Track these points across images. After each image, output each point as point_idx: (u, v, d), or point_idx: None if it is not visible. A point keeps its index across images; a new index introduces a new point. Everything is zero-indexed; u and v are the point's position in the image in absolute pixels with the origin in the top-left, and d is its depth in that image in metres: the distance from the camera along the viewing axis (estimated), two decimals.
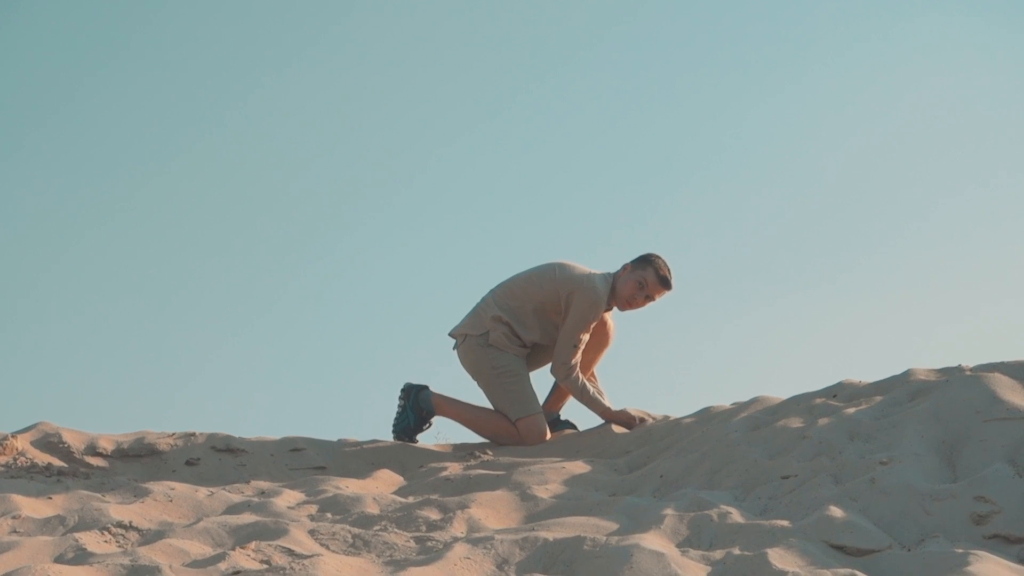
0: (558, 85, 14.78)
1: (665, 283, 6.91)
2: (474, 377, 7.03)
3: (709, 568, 3.83)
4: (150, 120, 14.07)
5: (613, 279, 6.93)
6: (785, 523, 4.16)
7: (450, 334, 7.14)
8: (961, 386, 5.06)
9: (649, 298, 6.94)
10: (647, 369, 12.85)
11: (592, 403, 6.93)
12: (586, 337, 6.89)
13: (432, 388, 7.06)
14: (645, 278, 6.89)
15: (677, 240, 13.94)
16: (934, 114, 14.33)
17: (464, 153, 14.79)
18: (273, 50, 14.23)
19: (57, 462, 5.98)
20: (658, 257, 6.91)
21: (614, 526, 4.44)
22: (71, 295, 13.41)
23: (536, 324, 6.96)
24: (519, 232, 14.31)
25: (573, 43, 14.61)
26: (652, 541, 4.03)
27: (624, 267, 6.94)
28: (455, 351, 7.11)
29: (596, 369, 7.21)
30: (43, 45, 13.62)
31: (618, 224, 14.15)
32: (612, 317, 7.10)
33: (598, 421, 7.00)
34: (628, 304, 6.95)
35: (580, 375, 6.90)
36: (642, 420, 6.82)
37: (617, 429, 6.78)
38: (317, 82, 14.43)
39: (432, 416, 7.03)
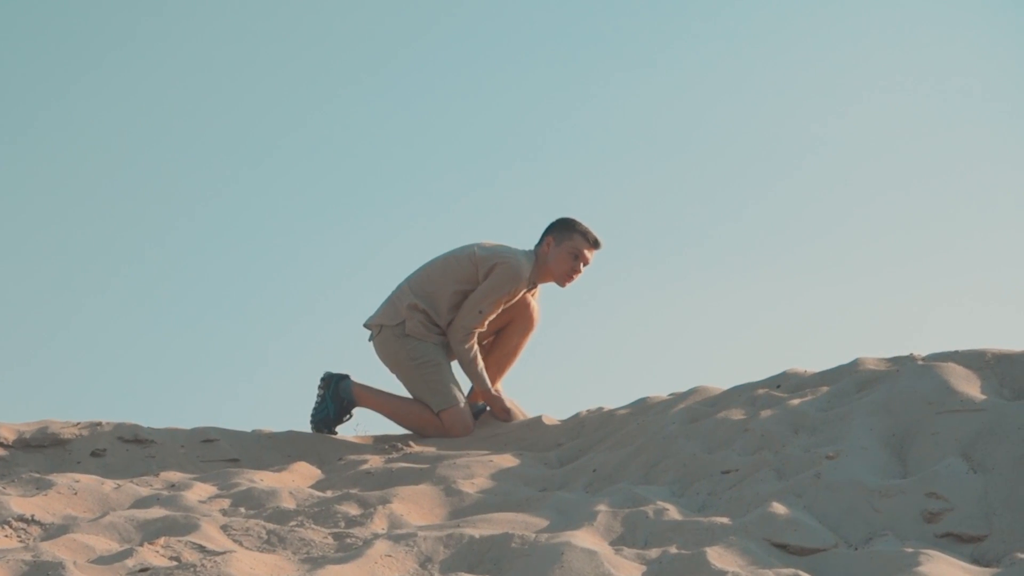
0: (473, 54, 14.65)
1: (595, 243, 6.88)
2: (392, 370, 6.93)
3: (644, 567, 3.80)
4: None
5: (536, 257, 6.77)
6: (725, 520, 4.14)
7: (365, 325, 7.02)
8: (912, 376, 5.02)
9: (585, 264, 6.85)
10: (578, 356, 12.73)
11: (476, 377, 6.85)
12: (494, 310, 6.80)
13: (353, 378, 6.94)
14: (576, 247, 6.82)
15: (613, 216, 13.77)
16: (887, 95, 14.28)
17: (377, 135, 14.63)
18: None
19: None
20: (575, 220, 6.85)
21: (544, 523, 4.43)
22: None
23: (455, 310, 6.80)
24: (438, 217, 14.11)
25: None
26: (584, 539, 4.01)
27: (545, 241, 6.83)
28: (371, 343, 6.93)
29: (522, 355, 7.12)
30: None
31: (554, 203, 14.05)
32: (536, 299, 7.00)
33: (530, 413, 6.93)
34: (568, 278, 6.89)
35: (475, 346, 6.79)
36: (509, 413, 6.82)
37: (511, 416, 6.81)
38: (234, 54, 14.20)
39: (353, 407, 6.92)
